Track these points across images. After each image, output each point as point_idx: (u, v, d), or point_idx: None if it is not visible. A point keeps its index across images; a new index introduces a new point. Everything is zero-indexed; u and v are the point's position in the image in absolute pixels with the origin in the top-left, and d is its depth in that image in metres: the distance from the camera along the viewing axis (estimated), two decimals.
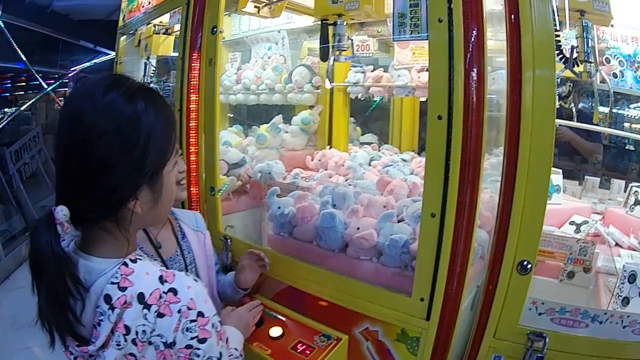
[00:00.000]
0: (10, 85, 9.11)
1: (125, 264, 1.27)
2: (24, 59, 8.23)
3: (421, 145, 4.26)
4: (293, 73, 3.77)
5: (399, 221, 2.45)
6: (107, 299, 1.21)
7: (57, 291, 1.20)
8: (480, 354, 2.11)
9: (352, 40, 2.86)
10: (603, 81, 2.65)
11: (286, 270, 2.56)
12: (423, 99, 3.23)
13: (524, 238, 1.91)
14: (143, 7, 4.30)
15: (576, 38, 2.25)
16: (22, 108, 8.91)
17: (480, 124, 1.90)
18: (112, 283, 1.22)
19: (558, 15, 2.07)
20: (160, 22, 4.40)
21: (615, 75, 2.69)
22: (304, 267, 2.50)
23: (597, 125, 3.31)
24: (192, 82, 2.98)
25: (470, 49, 1.86)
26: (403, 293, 2.17)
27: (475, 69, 1.87)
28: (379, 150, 4.15)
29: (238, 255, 2.73)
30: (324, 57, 2.84)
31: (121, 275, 1.24)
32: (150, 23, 4.42)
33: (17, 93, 9.20)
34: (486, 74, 1.89)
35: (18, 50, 7.96)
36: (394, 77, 3.39)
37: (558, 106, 2.45)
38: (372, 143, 4.36)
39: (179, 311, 1.25)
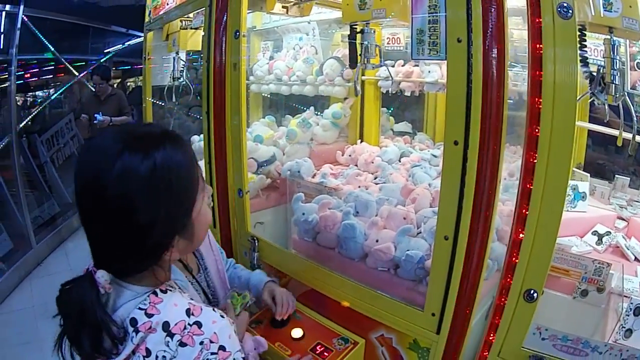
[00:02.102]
0: (39, 74, 9.10)
1: (155, 293, 1.31)
2: (52, 49, 8.22)
3: None
4: (324, 65, 3.76)
5: (418, 233, 2.52)
6: (133, 322, 1.24)
7: (100, 342, 1.23)
8: None
9: (379, 47, 2.85)
10: (633, 87, 2.62)
11: (309, 274, 2.65)
12: None
13: (533, 268, 1.94)
14: (167, 4, 4.36)
15: (603, 57, 2.15)
16: (52, 97, 8.86)
17: (497, 150, 1.92)
18: (140, 309, 1.26)
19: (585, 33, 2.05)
20: (188, 17, 4.41)
21: None
22: (325, 272, 2.59)
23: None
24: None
25: (491, 75, 1.86)
26: (416, 306, 2.25)
27: (494, 96, 1.87)
28: (412, 142, 4.18)
29: (265, 256, 2.87)
30: (353, 64, 2.87)
31: (150, 302, 1.27)
32: (177, 19, 4.44)
33: (42, 78, 9.15)
34: (506, 103, 1.90)
35: (45, 41, 7.95)
36: (424, 73, 3.41)
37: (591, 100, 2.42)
38: (405, 133, 4.39)
39: (201, 343, 1.26)
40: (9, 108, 6.39)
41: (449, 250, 2.05)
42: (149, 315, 1.25)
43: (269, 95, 4.29)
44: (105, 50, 10.98)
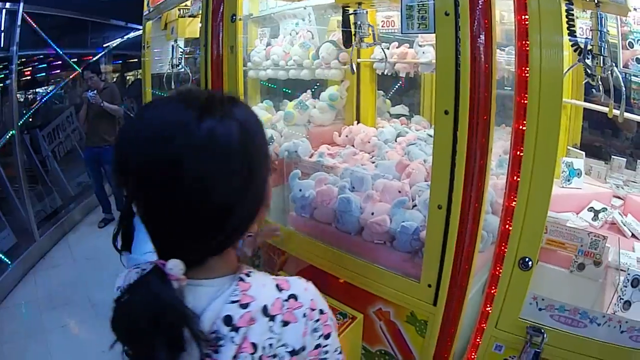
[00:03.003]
0: (40, 71, 9.13)
1: (241, 279, 1.15)
2: (52, 44, 8.25)
3: None
4: (320, 49, 3.79)
5: (414, 206, 2.54)
6: (228, 320, 1.07)
7: (179, 345, 1.02)
8: (482, 342, 2.18)
9: (372, 26, 2.87)
10: (625, 66, 2.63)
11: (307, 249, 2.67)
12: None
13: (526, 235, 1.95)
14: None
15: (590, 30, 2.21)
16: (53, 91, 8.89)
17: (487, 119, 1.94)
18: (232, 302, 1.09)
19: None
20: (186, 6, 4.44)
21: (638, 60, 2.65)
22: (322, 247, 2.61)
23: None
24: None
25: (478, 44, 1.89)
26: (413, 278, 2.27)
27: (482, 66, 1.89)
28: (409, 124, 4.20)
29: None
30: (347, 44, 2.88)
31: (240, 292, 1.11)
32: (175, 7, 4.48)
33: (43, 74, 9.18)
34: (495, 72, 1.92)
35: (45, 36, 7.98)
36: (418, 54, 3.42)
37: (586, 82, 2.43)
38: (402, 115, 4.41)
39: (304, 315, 1.17)
40: (11, 105, 6.38)
41: (443, 219, 2.06)
42: (245, 306, 1.10)
43: (266, 81, 4.28)
44: (104, 45, 10.98)
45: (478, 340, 2.19)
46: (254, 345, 1.08)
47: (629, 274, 2.16)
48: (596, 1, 2.12)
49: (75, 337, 4.65)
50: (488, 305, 2.12)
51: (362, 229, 2.60)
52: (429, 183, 2.52)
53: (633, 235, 2.80)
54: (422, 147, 3.30)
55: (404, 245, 2.41)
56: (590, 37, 2.21)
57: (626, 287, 2.16)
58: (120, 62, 12.45)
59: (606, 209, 3.00)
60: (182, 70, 4.64)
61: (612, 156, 3.62)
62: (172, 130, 1.02)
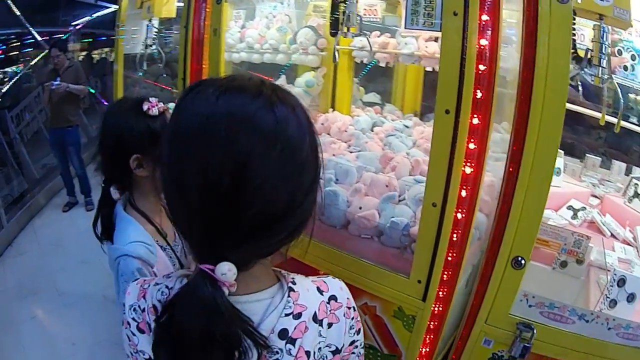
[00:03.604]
0: (10, 50, 9.01)
1: (291, 289, 1.08)
2: (24, 21, 8.13)
3: (423, 108, 4.31)
4: (298, 34, 3.74)
5: (400, 201, 2.52)
6: (284, 333, 1.03)
7: (234, 353, 0.94)
8: (471, 337, 2.20)
9: (360, 17, 2.85)
10: (612, 72, 2.65)
11: None
12: (429, 69, 3.22)
13: (521, 235, 1.97)
14: None
15: (592, 41, 2.21)
16: (23, 70, 8.79)
17: (487, 120, 1.94)
18: (286, 315, 1.04)
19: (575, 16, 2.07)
20: None
21: (625, 68, 2.69)
22: (306, 241, 2.53)
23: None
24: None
25: (485, 50, 1.88)
26: (401, 273, 2.24)
27: (487, 69, 1.89)
28: (382, 113, 4.20)
29: None
30: (333, 33, 2.85)
31: (293, 302, 1.06)
32: None
33: (14, 53, 9.05)
34: (497, 76, 1.92)
35: (17, 12, 7.84)
36: (400, 45, 3.38)
37: None
38: (375, 104, 4.42)
39: (344, 315, 1.15)
40: None
41: (437, 217, 2.05)
42: (298, 316, 1.05)
43: (239, 64, 4.20)
44: (73, 23, 10.84)
45: (466, 334, 2.23)
46: (308, 353, 1.06)
47: (615, 274, 2.22)
48: (600, 15, 2.14)
49: (45, 329, 4.51)
50: (478, 301, 2.15)
51: (348, 222, 2.57)
52: (416, 177, 2.55)
53: (612, 235, 2.88)
54: (402, 139, 3.31)
55: (393, 240, 2.39)
56: (591, 47, 2.22)
57: (612, 286, 2.22)
58: (89, 40, 12.32)
59: (585, 208, 3.08)
60: (156, 50, 4.53)
61: (587, 155, 3.71)
62: (238, 123, 0.90)
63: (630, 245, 2.81)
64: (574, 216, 3.01)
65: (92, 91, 10.04)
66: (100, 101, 9.96)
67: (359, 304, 2.31)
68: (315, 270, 2.48)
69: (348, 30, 2.85)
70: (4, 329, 4.42)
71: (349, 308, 1.17)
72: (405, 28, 2.32)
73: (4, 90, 7.64)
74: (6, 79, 8.12)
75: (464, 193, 1.99)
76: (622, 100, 2.27)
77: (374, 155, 2.99)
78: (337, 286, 1.19)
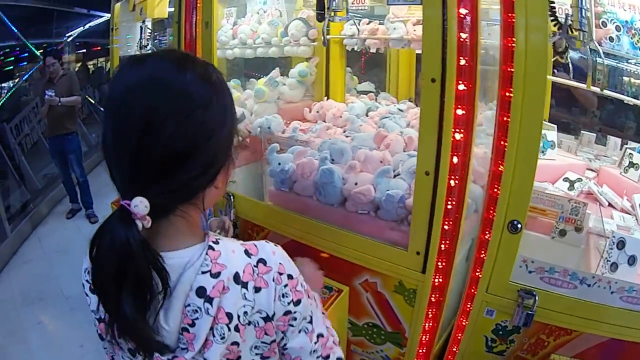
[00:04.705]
0: (7, 63, 9.03)
1: (210, 247, 1.13)
2: (18, 34, 8.16)
3: (418, 93, 4.32)
4: (289, 27, 3.80)
5: (395, 176, 2.53)
6: (201, 291, 1.08)
7: (144, 293, 1.03)
8: (473, 308, 2.20)
9: (346, 1, 2.89)
10: (598, 44, 2.67)
11: (287, 224, 2.64)
12: (419, 52, 3.24)
13: (514, 199, 1.98)
14: None
15: (571, 7, 2.25)
16: (19, 82, 8.82)
17: (473, 87, 1.95)
18: (203, 272, 1.09)
19: None
20: None
21: (611, 39, 2.70)
22: (304, 221, 2.59)
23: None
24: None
25: (465, 16, 1.89)
26: (400, 247, 2.26)
27: (469, 35, 1.90)
28: (376, 100, 4.23)
29: (241, 211, 2.86)
30: (320, 18, 2.89)
31: (211, 261, 1.11)
32: None
33: (10, 66, 9.08)
34: (479, 40, 1.93)
35: (11, 26, 7.87)
36: (389, 30, 3.43)
37: (554, 60, 2.48)
38: (369, 92, 4.45)
39: (273, 279, 1.16)
40: None
41: (431, 186, 2.06)
42: (216, 275, 1.10)
43: (233, 60, 4.26)
44: (68, 34, 10.88)
45: (469, 306, 2.22)
46: (229, 315, 1.09)
47: (614, 237, 2.21)
48: None
49: (53, 333, 4.55)
50: (478, 270, 2.14)
51: (344, 200, 2.59)
52: (410, 153, 2.55)
53: (610, 205, 2.87)
54: (396, 119, 3.34)
55: (390, 213, 2.40)
56: (570, 13, 2.24)
57: (612, 249, 2.20)
58: (84, 50, 12.35)
59: (581, 179, 3.07)
60: (150, 50, 4.57)
61: (582, 131, 3.70)
62: (152, 78, 1.08)
63: (629, 213, 2.80)
64: (571, 187, 3.00)
65: (93, 101, 10.10)
66: (99, 110, 9.99)
67: (359, 281, 2.35)
68: (316, 250, 2.49)
69: (334, 14, 2.87)
70: (13, 336, 4.45)
71: (281, 274, 1.18)
72: (388, 4, 2.35)
73: (0, 103, 7.64)
74: (3, 92, 8.14)
75: (455, 160, 1.99)
76: (604, 61, 2.28)
77: (368, 136, 3.02)
78: (270, 250, 1.21)
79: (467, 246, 2.39)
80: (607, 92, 2.56)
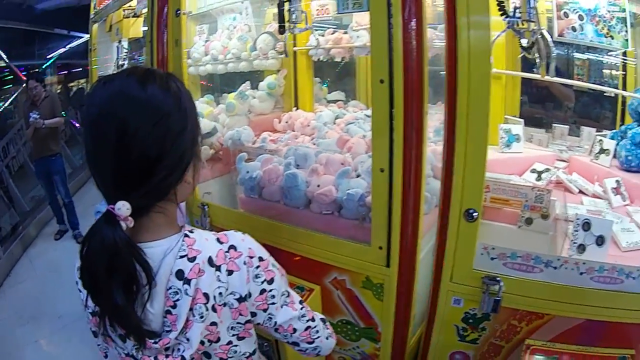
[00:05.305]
0: None
1: (186, 235, 1.28)
2: (3, 56, 8.20)
3: None
4: (257, 41, 3.85)
5: (357, 177, 2.60)
6: (180, 274, 1.21)
7: (132, 284, 1.15)
8: (440, 297, 2.24)
9: (305, 13, 2.97)
10: (561, 35, 2.72)
11: (258, 229, 2.68)
12: None
13: (468, 189, 2.02)
14: None
15: None
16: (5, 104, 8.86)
17: (420, 86, 2.02)
18: (181, 257, 1.23)
19: None
20: (130, 7, 4.47)
21: (574, 29, 2.72)
22: (273, 224, 2.65)
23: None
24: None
25: (409, 16, 1.96)
26: (363, 243, 2.32)
27: (413, 36, 1.97)
28: (345, 108, 4.29)
29: (215, 220, 2.92)
30: (281, 30, 2.97)
31: (187, 247, 1.24)
32: (120, 8, 4.50)
33: None
34: (425, 38, 2.00)
35: None
36: (353, 39, 3.51)
37: (522, 57, 2.51)
38: (338, 100, 4.53)
39: (244, 263, 1.29)
40: None
41: (387, 182, 2.12)
42: (193, 259, 1.23)
43: (206, 76, 4.32)
44: (49, 56, 10.91)
45: (436, 297, 2.25)
46: (206, 295, 1.22)
47: (578, 219, 2.22)
48: None
49: (48, 351, 4.62)
50: (440, 261, 2.18)
51: (309, 202, 2.67)
52: (370, 154, 2.59)
53: (581, 192, 2.90)
54: (360, 124, 3.40)
55: (352, 212, 2.48)
56: (519, 6, 2.29)
57: (577, 231, 2.22)
58: (65, 72, 12.37)
59: (549, 169, 3.09)
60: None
61: (554, 124, 3.71)
62: (119, 96, 1.18)
63: (600, 198, 2.82)
64: (538, 178, 3.03)
65: (77, 125, 10.13)
66: (81, 132, 10.02)
67: (329, 279, 2.40)
68: (287, 252, 2.55)
69: (294, 26, 2.95)
70: (9, 356, 4.54)
71: (251, 257, 1.31)
72: (338, 13, 2.42)
73: None
74: None
75: (408, 156, 2.06)
76: (553, 48, 2.31)
77: (332, 141, 3.09)
78: (239, 238, 1.34)
79: (432, 240, 2.41)
80: (562, 80, 2.57)
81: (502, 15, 2.29)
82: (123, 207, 1.13)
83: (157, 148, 1.18)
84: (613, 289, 2.02)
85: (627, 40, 2.81)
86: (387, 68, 2.01)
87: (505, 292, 2.06)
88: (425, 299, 2.35)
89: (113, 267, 1.13)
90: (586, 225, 2.22)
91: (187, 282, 1.20)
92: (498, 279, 2.06)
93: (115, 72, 4.58)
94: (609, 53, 3.51)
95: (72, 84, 13.24)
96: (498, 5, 2.22)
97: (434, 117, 2.38)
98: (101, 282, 1.14)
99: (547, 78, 2.43)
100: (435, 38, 2.76)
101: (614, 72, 3.69)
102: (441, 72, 2.05)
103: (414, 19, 1.96)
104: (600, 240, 2.22)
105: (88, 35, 5.49)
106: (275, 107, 4.27)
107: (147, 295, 1.17)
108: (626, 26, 2.78)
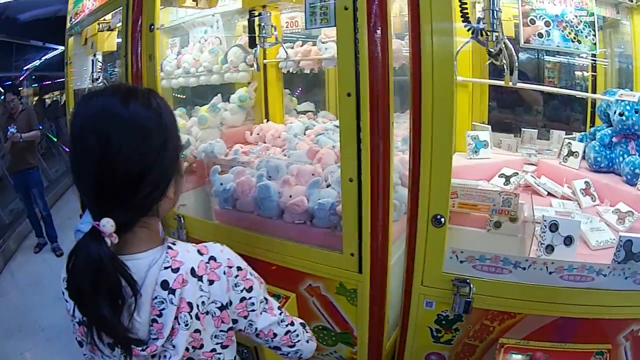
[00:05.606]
0: None
1: (170, 247, 1.31)
2: None
3: None
4: (228, 54, 3.91)
5: (328, 186, 2.67)
6: (165, 284, 1.24)
7: (117, 298, 1.18)
8: (412, 301, 2.28)
9: (274, 27, 3.04)
10: (527, 41, 2.77)
11: (234, 239, 2.72)
12: None
13: (435, 195, 2.08)
14: (87, 8, 4.45)
15: (483, 10, 2.32)
16: None
17: (386, 97, 2.10)
18: (165, 268, 1.25)
19: None
20: (104, 20, 4.48)
21: (540, 35, 2.77)
22: (248, 235, 2.70)
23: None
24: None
25: (374, 32, 2.04)
26: (336, 250, 2.37)
27: (379, 51, 2.05)
28: (315, 119, 4.36)
29: (191, 231, 2.96)
30: (251, 45, 3.02)
31: (171, 258, 1.27)
32: (95, 22, 4.50)
33: None
34: (391, 52, 2.08)
35: None
36: (321, 50, 3.56)
37: (490, 63, 2.56)
38: (308, 112, 4.60)
39: (224, 273, 1.33)
40: None
41: (356, 191, 2.19)
42: (176, 270, 1.26)
43: (178, 89, 4.35)
44: (25, 68, 10.84)
45: (408, 301, 2.30)
46: (190, 304, 1.25)
47: (545, 220, 2.28)
48: None
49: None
50: (411, 265, 2.23)
51: (282, 212, 2.73)
52: (340, 164, 2.65)
53: (549, 194, 2.95)
54: (329, 135, 3.49)
55: (323, 221, 2.55)
56: (482, 16, 2.33)
57: (544, 232, 2.28)
58: (40, 83, 12.30)
59: (517, 173, 3.14)
60: (102, 84, 4.64)
61: (523, 128, 3.76)
62: (103, 113, 1.20)
63: (570, 199, 2.87)
64: (507, 182, 3.07)
65: (54, 139, 10.10)
66: (58, 145, 9.98)
67: (304, 286, 2.44)
68: (262, 261, 2.58)
69: (265, 40, 3.01)
70: None
71: (230, 267, 1.35)
72: (306, 28, 2.48)
73: None
74: None
75: (377, 164, 2.13)
76: (515, 56, 2.35)
77: (302, 152, 3.17)
78: (218, 249, 1.38)
79: (402, 247, 2.46)
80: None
81: (464, 22, 2.33)
82: (107, 224, 1.16)
83: (140, 165, 1.21)
84: (584, 286, 2.07)
85: (595, 43, 2.85)
86: (353, 82, 2.08)
87: (475, 294, 2.12)
88: (398, 303, 2.39)
89: (98, 281, 1.16)
90: (553, 226, 2.27)
91: (172, 292, 1.24)
92: (468, 280, 2.11)
93: (90, 86, 4.60)
94: (579, 56, 3.57)
95: (47, 96, 13.19)
96: (462, 13, 2.27)
97: (403, 126, 2.44)
98: (87, 296, 1.18)
99: (511, 85, 2.48)
100: (402, 48, 2.83)
101: (585, 73, 3.75)
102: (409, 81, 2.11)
103: (379, 32, 2.04)
104: (568, 240, 2.27)
105: (63, 47, 5.47)
106: (246, 119, 4.34)
107: (134, 306, 1.21)
108: (594, 30, 2.82)
